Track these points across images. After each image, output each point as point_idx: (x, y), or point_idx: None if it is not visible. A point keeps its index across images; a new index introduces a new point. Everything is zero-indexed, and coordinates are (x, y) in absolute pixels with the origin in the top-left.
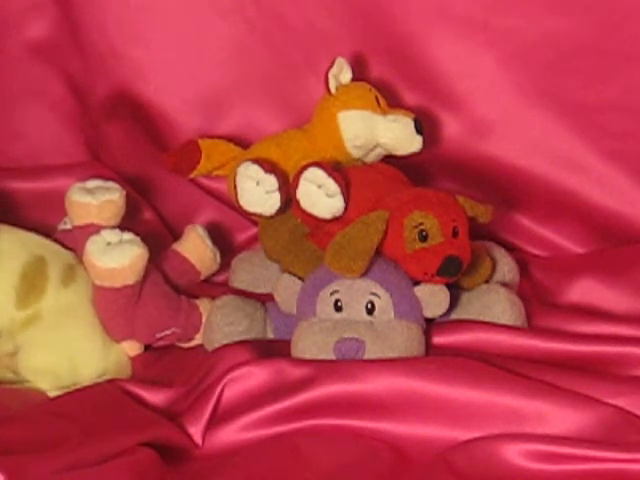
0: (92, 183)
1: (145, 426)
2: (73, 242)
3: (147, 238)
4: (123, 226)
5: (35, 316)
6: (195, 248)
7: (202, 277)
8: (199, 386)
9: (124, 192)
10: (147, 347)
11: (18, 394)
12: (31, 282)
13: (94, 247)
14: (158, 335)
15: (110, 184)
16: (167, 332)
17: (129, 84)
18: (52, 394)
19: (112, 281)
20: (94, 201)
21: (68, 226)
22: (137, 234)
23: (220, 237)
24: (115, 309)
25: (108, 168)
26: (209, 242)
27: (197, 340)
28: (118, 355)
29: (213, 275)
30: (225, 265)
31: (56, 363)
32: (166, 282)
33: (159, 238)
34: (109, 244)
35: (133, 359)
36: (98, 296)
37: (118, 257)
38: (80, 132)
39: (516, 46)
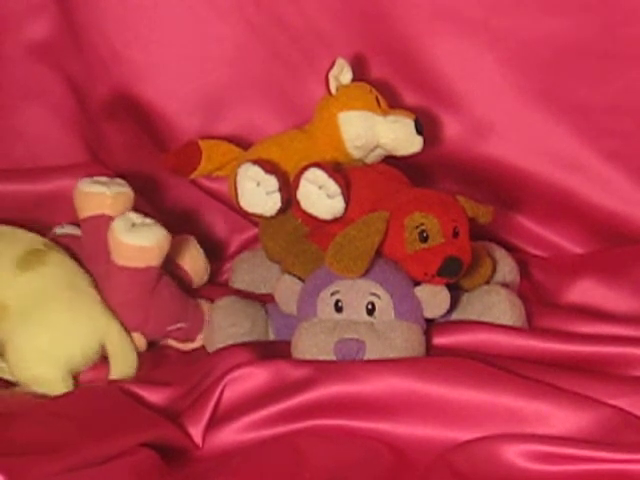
0: (101, 178)
1: (145, 426)
2: (76, 241)
3: None
4: None
5: (1, 308)
6: (191, 259)
7: (194, 286)
8: (199, 386)
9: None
10: (148, 347)
11: (18, 394)
12: None
13: (121, 224)
14: (169, 328)
15: (118, 180)
16: (177, 326)
17: (129, 85)
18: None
19: (138, 261)
20: (108, 191)
21: (65, 230)
22: None
23: (220, 237)
24: (135, 292)
25: (108, 168)
26: (202, 253)
27: (198, 343)
28: (110, 325)
29: (213, 276)
30: (225, 266)
31: (49, 359)
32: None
33: None
34: (134, 225)
35: None
36: (120, 278)
37: (147, 236)
38: (80, 132)
39: (516, 46)
